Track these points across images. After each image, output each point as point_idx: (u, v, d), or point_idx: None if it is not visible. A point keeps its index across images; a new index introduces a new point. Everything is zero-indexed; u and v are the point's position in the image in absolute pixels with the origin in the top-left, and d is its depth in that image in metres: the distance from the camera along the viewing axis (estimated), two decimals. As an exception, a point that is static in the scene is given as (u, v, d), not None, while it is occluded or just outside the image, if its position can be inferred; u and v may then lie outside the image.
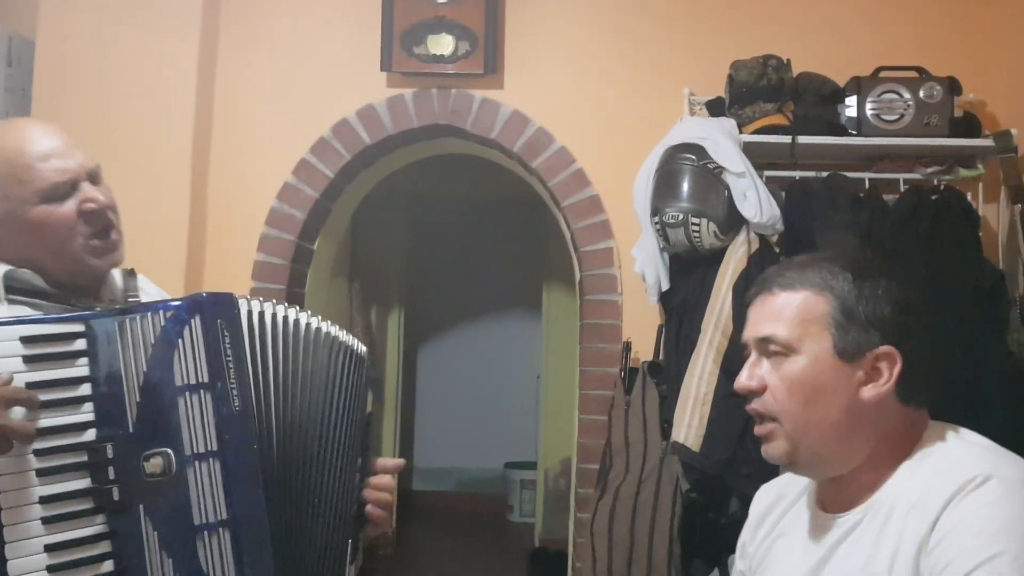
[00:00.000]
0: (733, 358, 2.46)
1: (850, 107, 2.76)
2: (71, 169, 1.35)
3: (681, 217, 2.53)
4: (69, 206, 1.34)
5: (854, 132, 2.75)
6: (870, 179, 2.77)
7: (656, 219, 2.59)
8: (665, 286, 2.69)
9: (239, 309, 1.26)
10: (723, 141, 2.59)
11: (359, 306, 4.74)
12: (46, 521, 1.14)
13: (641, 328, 2.92)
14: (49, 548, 1.14)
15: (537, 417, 5.77)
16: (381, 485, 1.42)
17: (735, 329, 2.46)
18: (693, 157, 2.57)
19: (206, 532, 1.18)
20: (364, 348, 1.42)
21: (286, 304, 1.33)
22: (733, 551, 1.39)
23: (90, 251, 1.36)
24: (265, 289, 3.05)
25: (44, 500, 1.15)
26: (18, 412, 1.14)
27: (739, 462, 2.41)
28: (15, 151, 1.33)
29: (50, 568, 1.14)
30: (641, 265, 2.73)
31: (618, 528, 2.58)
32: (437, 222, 6.50)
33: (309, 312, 1.35)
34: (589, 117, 3.09)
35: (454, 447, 6.48)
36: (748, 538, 1.33)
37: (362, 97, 3.12)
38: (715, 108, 2.87)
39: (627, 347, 2.88)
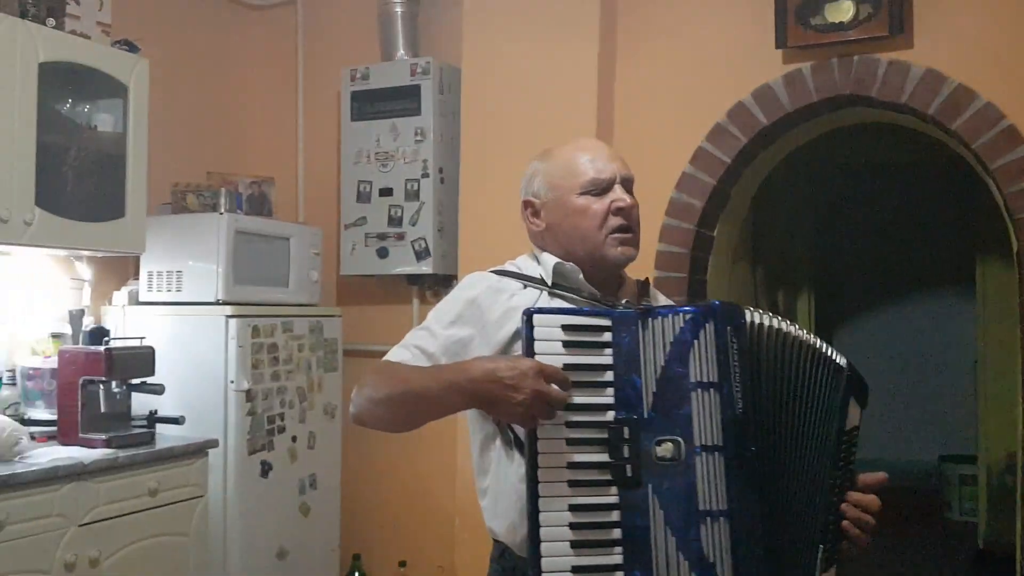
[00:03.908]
0: None
1: None
2: (609, 170, 1.57)
3: None
4: (604, 202, 1.56)
5: None
6: None
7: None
8: None
9: (745, 319, 1.38)
10: None
11: (764, 291, 4.65)
12: (571, 484, 1.33)
13: (1101, 303, 2.49)
14: (572, 508, 1.32)
15: (975, 406, 5.17)
16: (863, 503, 1.43)
17: None
18: None
19: (708, 518, 1.30)
20: (845, 360, 1.44)
21: (779, 318, 1.41)
22: None
23: (611, 242, 1.55)
24: (667, 278, 3.13)
25: (572, 466, 1.33)
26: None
27: None
28: (571, 153, 1.61)
29: (572, 525, 1.31)
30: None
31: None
32: (846, 196, 6.13)
33: (797, 325, 1.43)
34: (1020, 65, 2.70)
35: (881, 438, 6.05)
36: None
37: (757, 77, 3.06)
38: None
39: (1083, 326, 2.48)
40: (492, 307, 1.52)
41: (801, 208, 5.47)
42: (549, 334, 1.34)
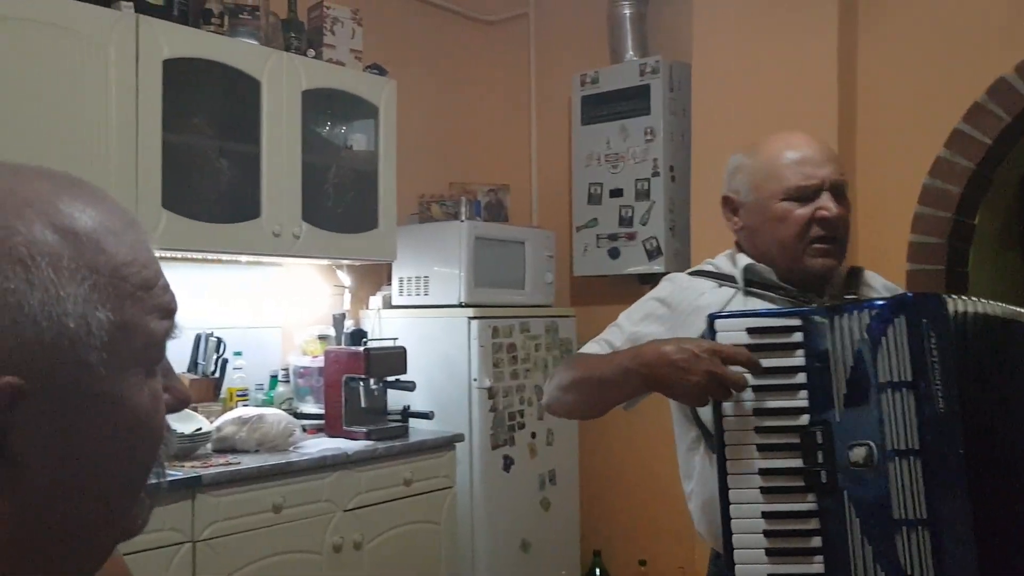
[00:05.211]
0: None
1: None
2: (817, 177, 1.48)
3: None
4: (806, 209, 1.47)
5: None
6: None
7: None
8: None
9: (947, 309, 1.25)
10: None
11: (1038, 282, 4.19)
12: (764, 491, 1.29)
13: None
14: (766, 515, 1.28)
15: None
16: None
17: None
18: None
19: (905, 528, 1.20)
20: None
21: (992, 302, 1.29)
22: None
23: (810, 252, 1.48)
24: (921, 271, 2.92)
25: (763, 472, 1.29)
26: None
27: None
28: (776, 153, 1.53)
29: (766, 533, 1.28)
30: None
31: None
32: None
33: (1008, 306, 1.30)
34: None
35: None
36: None
37: (1020, 50, 2.78)
38: None
39: None
40: (681, 306, 1.52)
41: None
42: (733, 338, 1.30)
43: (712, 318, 1.33)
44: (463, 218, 3.51)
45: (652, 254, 3.59)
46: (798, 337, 1.29)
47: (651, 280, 3.71)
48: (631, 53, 3.76)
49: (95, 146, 2.48)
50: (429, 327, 3.42)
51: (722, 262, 1.59)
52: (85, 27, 2.47)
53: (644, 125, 3.61)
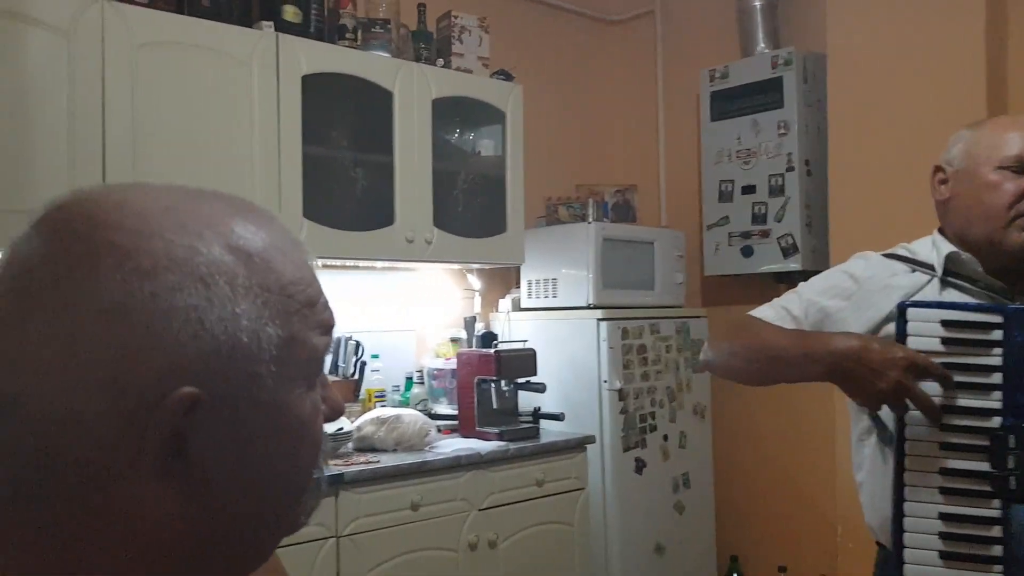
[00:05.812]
0: None
1: None
2: None
3: None
4: (1021, 182, 1.39)
5: None
6: None
7: None
8: None
9: None
10: None
11: None
12: (944, 491, 1.24)
13: None
14: (943, 516, 1.23)
15: None
16: None
17: None
18: None
19: None
20: None
21: None
22: None
23: (1016, 226, 1.39)
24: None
25: (945, 472, 1.24)
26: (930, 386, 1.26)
27: None
28: (1001, 126, 1.46)
29: (942, 535, 1.23)
30: None
31: None
32: None
33: None
34: None
35: None
36: None
37: None
38: None
39: None
40: (869, 283, 1.45)
41: None
42: (926, 329, 1.24)
43: (904, 306, 1.28)
44: (591, 220, 3.50)
45: (788, 251, 3.48)
46: (997, 335, 1.23)
47: (787, 279, 3.61)
48: (762, 45, 3.66)
49: (241, 160, 2.62)
50: (558, 329, 3.43)
51: (921, 247, 1.51)
52: (229, 47, 2.61)
53: (777, 119, 3.51)
